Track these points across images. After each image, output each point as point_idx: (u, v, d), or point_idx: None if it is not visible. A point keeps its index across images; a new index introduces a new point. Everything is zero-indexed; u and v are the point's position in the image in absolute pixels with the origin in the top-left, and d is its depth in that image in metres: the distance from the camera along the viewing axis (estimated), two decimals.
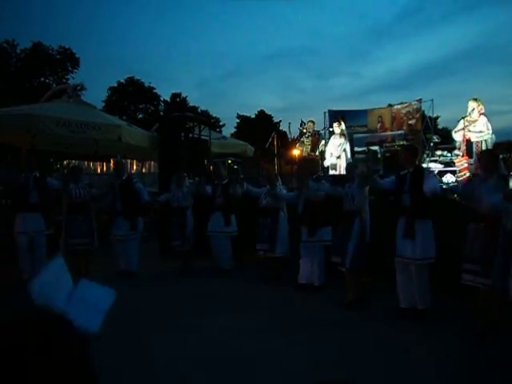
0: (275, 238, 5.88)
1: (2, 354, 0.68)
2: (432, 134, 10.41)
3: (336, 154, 8.74)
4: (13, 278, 5.58)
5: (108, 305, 0.85)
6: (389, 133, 11.57)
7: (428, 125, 11.37)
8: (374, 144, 10.10)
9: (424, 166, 8.62)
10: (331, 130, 9.28)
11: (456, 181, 7.21)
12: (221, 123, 34.90)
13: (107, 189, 6.72)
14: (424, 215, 4.31)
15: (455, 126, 7.47)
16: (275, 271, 6.01)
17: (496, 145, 7.44)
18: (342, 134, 8.92)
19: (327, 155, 8.95)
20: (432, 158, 8.67)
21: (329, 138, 9.51)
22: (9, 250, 6.09)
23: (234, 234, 6.60)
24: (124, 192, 6.48)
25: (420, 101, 11.50)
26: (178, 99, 33.69)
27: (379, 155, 9.36)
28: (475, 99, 7.16)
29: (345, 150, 8.81)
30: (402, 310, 4.41)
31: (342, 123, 9.06)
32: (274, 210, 5.99)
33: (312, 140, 9.42)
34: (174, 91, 34.18)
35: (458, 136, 7.43)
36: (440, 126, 29.83)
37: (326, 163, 8.94)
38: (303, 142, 9.52)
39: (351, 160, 8.89)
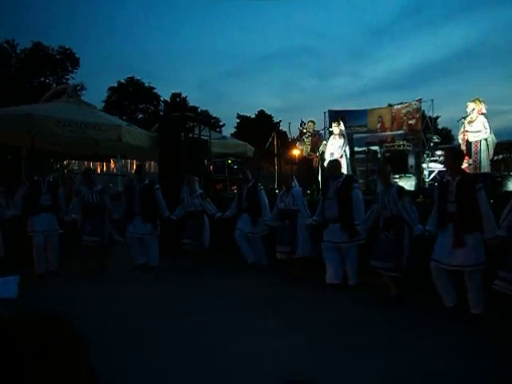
0: (295, 240, 5.92)
1: (2, 353, 0.68)
2: (432, 134, 10.41)
3: (337, 154, 8.73)
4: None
5: (16, 283, 0.89)
6: (389, 133, 11.57)
7: (428, 125, 11.38)
8: (374, 144, 10.10)
9: (424, 166, 8.68)
10: (331, 130, 9.28)
11: None
12: (221, 123, 34.96)
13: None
14: (473, 227, 4.09)
15: (456, 127, 7.51)
16: (298, 271, 6.01)
17: (496, 145, 7.45)
18: (341, 135, 8.92)
19: (327, 156, 8.94)
20: (432, 158, 8.68)
21: (328, 138, 9.51)
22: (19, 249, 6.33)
23: (263, 232, 6.74)
24: (145, 196, 6.87)
25: (420, 101, 11.51)
26: (177, 99, 33.70)
27: (379, 155, 9.36)
28: (475, 100, 7.16)
29: (345, 151, 8.80)
30: (450, 309, 4.33)
31: (341, 123, 9.06)
32: (292, 213, 6.01)
33: (312, 140, 9.40)
34: (173, 91, 34.28)
35: (459, 137, 7.48)
36: (440, 126, 29.89)
37: (326, 164, 8.94)
38: (303, 141, 9.51)
39: (350, 160, 8.91)
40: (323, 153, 9.11)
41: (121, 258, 7.36)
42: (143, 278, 6.32)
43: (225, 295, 5.32)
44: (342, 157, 8.76)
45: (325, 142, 9.31)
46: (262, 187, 6.85)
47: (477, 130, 7.06)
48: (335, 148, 8.79)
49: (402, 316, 4.43)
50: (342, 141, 8.81)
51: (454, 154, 4.53)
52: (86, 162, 13.97)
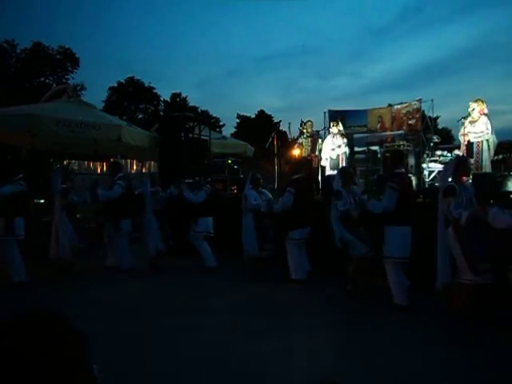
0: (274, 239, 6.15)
1: (2, 353, 0.68)
2: (432, 134, 10.40)
3: (334, 154, 8.74)
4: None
5: None
6: (389, 133, 11.56)
7: (428, 125, 11.37)
8: (374, 144, 10.09)
9: (424, 166, 8.67)
10: (330, 130, 9.28)
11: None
12: (221, 123, 34.88)
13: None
14: (388, 221, 4.62)
15: (456, 127, 7.51)
16: (264, 270, 6.14)
17: (497, 145, 7.44)
18: (341, 135, 8.92)
19: (324, 155, 8.95)
20: (432, 158, 8.66)
21: (325, 138, 9.50)
22: None
23: (203, 233, 6.73)
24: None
25: (420, 101, 11.49)
26: (178, 99, 33.66)
27: (379, 155, 9.35)
28: (476, 100, 7.15)
29: (345, 152, 8.81)
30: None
31: (340, 124, 9.05)
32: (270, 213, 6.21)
33: (311, 141, 9.40)
34: (173, 91, 34.23)
35: (460, 136, 7.48)
36: (440, 126, 29.85)
37: (323, 163, 8.95)
38: (302, 142, 9.50)
39: (350, 160, 8.91)
40: (320, 151, 9.12)
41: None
42: (134, 278, 6.27)
43: (220, 295, 5.32)
44: (340, 157, 8.77)
45: (320, 141, 9.32)
46: (205, 187, 6.87)
47: (479, 131, 7.07)
48: (334, 148, 8.80)
49: (402, 316, 4.43)
50: (341, 140, 8.81)
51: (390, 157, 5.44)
52: (85, 162, 13.97)
